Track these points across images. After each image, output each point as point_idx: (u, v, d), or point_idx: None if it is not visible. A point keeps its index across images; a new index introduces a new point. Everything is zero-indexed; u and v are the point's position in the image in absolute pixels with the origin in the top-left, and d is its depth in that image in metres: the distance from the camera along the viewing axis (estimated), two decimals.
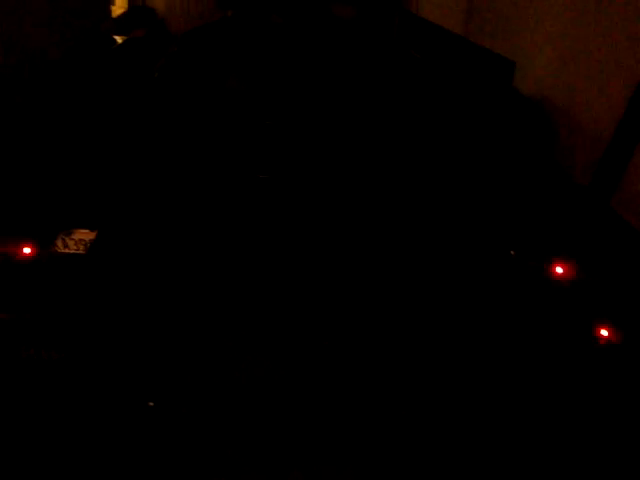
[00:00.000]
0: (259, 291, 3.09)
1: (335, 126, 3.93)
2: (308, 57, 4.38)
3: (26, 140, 3.89)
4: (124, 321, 2.88)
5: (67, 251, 3.18)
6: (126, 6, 8.77)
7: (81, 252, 3.16)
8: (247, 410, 2.57)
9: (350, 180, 3.66)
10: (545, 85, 4.40)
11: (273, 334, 2.92)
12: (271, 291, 3.10)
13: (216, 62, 4.65)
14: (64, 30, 5.54)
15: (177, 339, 2.84)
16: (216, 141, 3.89)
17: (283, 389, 2.68)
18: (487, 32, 5.46)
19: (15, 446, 2.41)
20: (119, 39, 6.45)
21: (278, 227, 3.37)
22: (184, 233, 3.31)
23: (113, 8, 8.04)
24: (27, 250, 3.03)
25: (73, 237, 3.18)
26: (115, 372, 2.67)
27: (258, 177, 3.66)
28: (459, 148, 3.95)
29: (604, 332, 2.46)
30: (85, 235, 3.19)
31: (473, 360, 2.91)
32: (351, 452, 2.46)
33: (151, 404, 2.59)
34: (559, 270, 2.77)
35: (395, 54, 4.57)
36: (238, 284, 3.09)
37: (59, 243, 3.18)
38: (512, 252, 3.53)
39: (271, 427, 2.51)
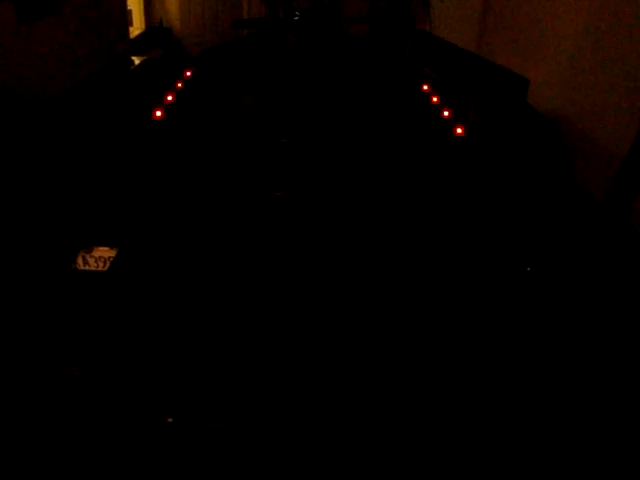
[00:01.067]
0: (278, 309, 3.10)
1: (350, 143, 3.96)
2: (323, 75, 4.44)
3: (46, 159, 3.96)
4: (145, 337, 2.90)
5: (87, 268, 3.22)
6: (143, 27, 8.95)
7: (101, 269, 3.21)
8: (263, 422, 2.58)
9: (365, 197, 3.68)
10: (559, 102, 4.41)
11: (290, 347, 2.92)
12: (289, 308, 3.12)
13: (232, 81, 4.72)
14: (87, 53, 5.68)
15: (198, 355, 2.85)
16: (233, 159, 3.94)
17: (296, 397, 2.68)
18: (500, 50, 5.50)
19: (35, 460, 2.43)
20: (137, 60, 6.58)
21: (294, 242, 3.40)
22: (203, 249, 3.34)
23: (131, 29, 8.21)
24: None
25: (93, 255, 3.23)
26: (135, 388, 2.69)
27: (274, 195, 3.69)
28: (475, 165, 3.97)
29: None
30: (105, 252, 3.23)
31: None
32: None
33: (170, 420, 2.60)
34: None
35: (409, 73, 4.61)
36: (259, 302, 3.11)
37: (79, 261, 3.23)
38: (528, 269, 3.53)
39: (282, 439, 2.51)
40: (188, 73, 4.66)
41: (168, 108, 4.07)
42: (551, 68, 4.56)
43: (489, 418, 2.67)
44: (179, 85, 4.41)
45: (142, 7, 8.98)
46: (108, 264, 3.19)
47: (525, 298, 3.29)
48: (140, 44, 8.20)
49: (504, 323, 3.10)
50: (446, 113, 3.96)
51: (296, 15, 8.60)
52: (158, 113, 3.98)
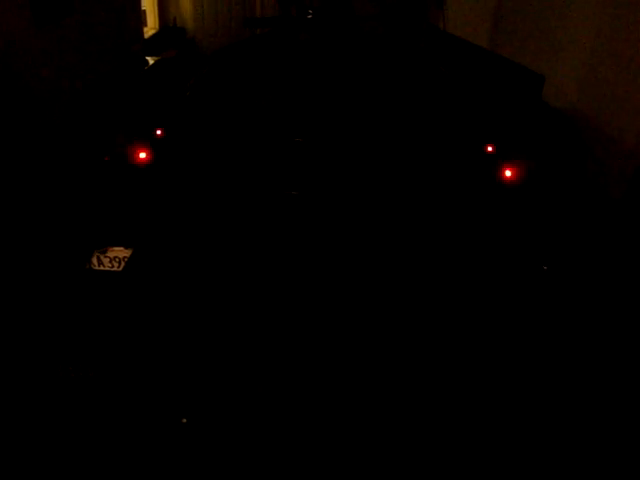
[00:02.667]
0: (290, 307, 3.10)
1: (364, 142, 3.94)
2: (337, 74, 4.42)
3: (60, 160, 4.00)
4: (158, 338, 2.92)
5: (102, 268, 3.25)
6: (157, 27, 8.99)
7: (115, 269, 3.23)
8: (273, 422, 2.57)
9: (380, 195, 3.66)
10: (575, 98, 4.36)
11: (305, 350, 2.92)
12: (300, 305, 3.11)
13: (246, 80, 4.72)
14: (102, 54, 5.71)
15: (213, 356, 2.86)
16: (247, 158, 3.94)
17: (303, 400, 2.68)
18: (515, 46, 5.45)
19: (49, 460, 2.44)
20: (151, 60, 6.61)
21: (308, 240, 3.39)
22: (217, 248, 3.35)
23: (145, 29, 8.25)
24: None
25: (108, 255, 3.25)
26: (149, 389, 2.71)
27: (289, 193, 3.68)
28: (491, 163, 3.93)
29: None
30: (119, 252, 3.25)
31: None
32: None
33: (184, 420, 2.61)
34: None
35: (423, 70, 4.57)
36: (271, 301, 3.10)
37: (94, 260, 3.26)
38: (545, 267, 3.49)
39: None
40: (202, 72, 4.67)
41: (178, 113, 4.09)
42: (566, 64, 4.51)
43: (498, 416, 2.65)
44: (191, 84, 4.42)
45: (156, 7, 9.01)
46: (122, 264, 3.21)
47: (541, 296, 3.27)
48: (154, 44, 8.25)
49: (519, 321, 3.08)
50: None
51: (309, 13, 8.58)
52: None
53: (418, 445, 2.52)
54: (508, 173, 3.71)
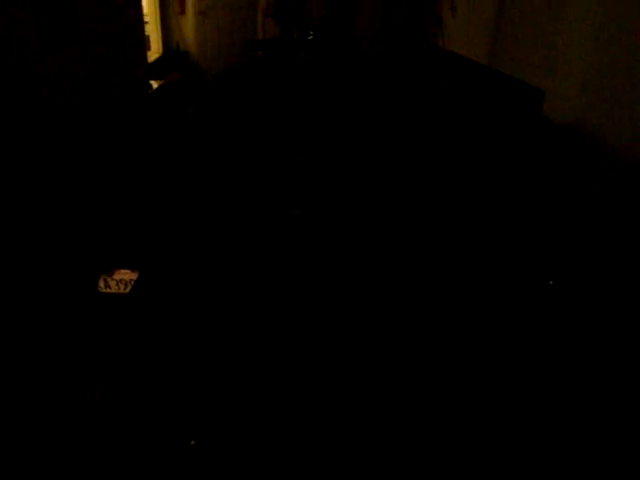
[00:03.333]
0: (293, 325, 3.10)
1: (365, 161, 3.97)
2: (338, 94, 4.47)
3: (68, 182, 4.04)
4: (166, 360, 2.92)
5: (109, 291, 3.27)
6: (161, 51, 9.12)
7: (122, 292, 3.25)
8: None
9: (382, 214, 3.68)
10: (578, 113, 4.38)
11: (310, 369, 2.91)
12: (304, 322, 3.11)
13: (248, 101, 4.78)
14: (107, 79, 5.80)
15: (220, 378, 2.86)
16: (250, 179, 3.97)
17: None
18: (514, 62, 5.49)
19: None
20: (155, 83, 6.70)
21: (309, 259, 3.41)
22: (223, 269, 3.37)
23: (149, 54, 8.37)
24: None
25: (114, 277, 3.27)
26: (158, 411, 2.70)
27: (290, 213, 3.71)
28: (492, 179, 3.95)
29: None
30: (126, 275, 3.28)
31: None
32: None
33: (193, 443, 2.60)
34: None
35: (424, 88, 4.62)
36: (279, 323, 3.11)
37: (101, 283, 3.28)
38: (550, 282, 3.49)
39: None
40: (204, 94, 4.71)
41: (183, 133, 4.15)
42: (566, 78, 4.54)
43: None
44: (194, 106, 4.47)
45: (160, 32, 9.16)
46: (129, 286, 3.23)
47: (547, 310, 3.26)
48: (158, 68, 8.36)
49: (526, 334, 3.08)
50: None
51: (310, 34, 8.71)
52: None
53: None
54: None
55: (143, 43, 7.77)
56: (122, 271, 3.33)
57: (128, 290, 3.21)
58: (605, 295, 3.39)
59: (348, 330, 3.07)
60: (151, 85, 6.54)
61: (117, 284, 3.28)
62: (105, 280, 3.30)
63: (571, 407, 2.71)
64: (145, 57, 7.78)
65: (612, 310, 3.28)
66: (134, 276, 3.24)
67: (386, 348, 3.00)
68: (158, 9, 9.04)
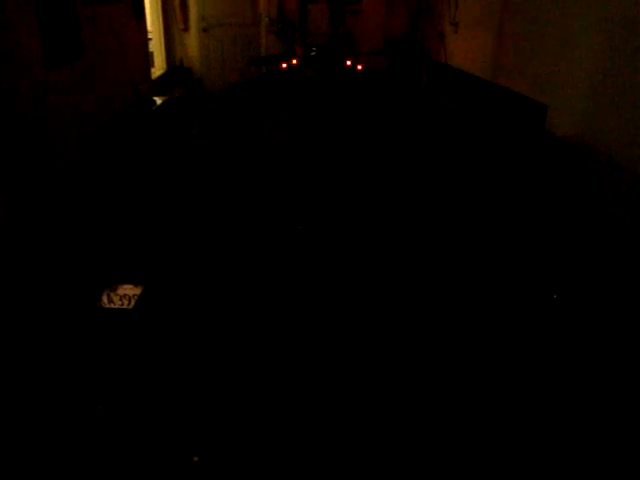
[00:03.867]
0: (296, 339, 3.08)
1: (369, 177, 3.98)
2: (340, 110, 4.49)
3: (73, 199, 4.05)
4: (169, 374, 2.90)
5: (112, 306, 3.26)
6: (165, 68, 9.19)
7: (125, 307, 3.24)
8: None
9: (386, 229, 3.68)
10: (580, 127, 4.38)
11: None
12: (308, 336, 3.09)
13: (252, 118, 4.80)
14: (111, 95, 5.84)
15: (223, 394, 2.84)
16: (255, 195, 3.98)
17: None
18: (517, 77, 5.52)
19: None
20: (159, 99, 6.74)
21: (313, 272, 3.40)
22: (227, 283, 3.36)
23: (153, 70, 8.44)
24: None
25: (118, 292, 3.27)
26: (161, 427, 2.68)
27: (295, 228, 3.71)
28: (495, 194, 3.95)
29: None
30: (129, 290, 3.27)
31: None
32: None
33: (196, 459, 2.58)
34: None
35: (428, 104, 4.65)
36: (282, 338, 3.09)
37: (104, 299, 3.27)
38: (555, 295, 3.47)
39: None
40: (208, 110, 4.74)
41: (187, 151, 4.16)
42: (569, 93, 4.55)
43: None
44: (199, 123, 4.50)
45: (163, 49, 9.24)
46: (133, 302, 3.22)
47: (551, 323, 3.24)
48: (162, 84, 8.42)
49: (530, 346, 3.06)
50: None
51: (313, 50, 8.78)
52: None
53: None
54: None
55: (147, 59, 7.84)
56: (125, 286, 3.33)
57: (132, 305, 3.20)
58: (609, 309, 3.37)
59: (349, 346, 3.05)
60: (155, 101, 6.57)
61: (120, 299, 3.28)
62: (108, 295, 3.30)
63: (572, 415, 2.69)
64: (149, 73, 7.84)
65: (617, 323, 3.26)
66: (137, 291, 3.24)
67: (386, 364, 2.98)
68: (162, 26, 9.13)
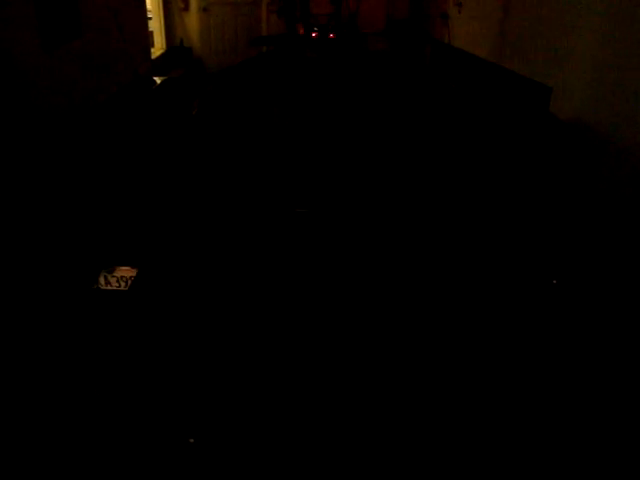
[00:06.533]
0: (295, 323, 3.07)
1: (371, 157, 3.93)
2: (344, 91, 4.43)
3: (70, 180, 4.02)
4: (167, 354, 2.89)
5: (109, 288, 3.24)
6: (164, 47, 9.07)
7: (123, 289, 3.22)
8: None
9: (388, 210, 3.64)
10: (585, 110, 4.32)
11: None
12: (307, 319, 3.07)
13: (253, 99, 4.74)
14: (109, 75, 5.76)
15: (219, 375, 2.83)
16: (255, 176, 3.94)
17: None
18: (521, 59, 5.44)
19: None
20: (158, 80, 6.66)
21: (314, 254, 3.37)
22: (224, 264, 3.33)
23: (152, 50, 8.33)
24: None
25: (115, 274, 3.25)
26: (157, 408, 2.67)
27: (295, 211, 3.68)
28: (498, 177, 3.91)
29: None
30: (126, 272, 3.25)
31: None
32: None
33: (191, 440, 2.57)
34: None
35: (430, 85, 4.58)
36: (280, 320, 3.07)
37: (101, 280, 3.25)
38: (554, 281, 3.45)
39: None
40: (208, 91, 4.68)
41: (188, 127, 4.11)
42: (573, 74, 4.48)
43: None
44: (199, 103, 4.44)
45: (163, 28, 9.12)
46: (129, 283, 3.20)
47: (551, 309, 3.22)
48: (162, 64, 8.32)
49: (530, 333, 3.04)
50: None
51: (314, 31, 8.65)
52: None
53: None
54: None
55: (147, 39, 7.73)
56: (123, 268, 3.30)
57: (128, 287, 3.18)
58: (609, 294, 3.35)
59: (350, 328, 3.04)
60: (154, 81, 6.49)
61: (117, 281, 3.26)
62: (105, 277, 3.28)
63: (573, 404, 2.67)
64: (149, 53, 7.74)
65: (616, 309, 3.24)
66: (134, 273, 3.21)
67: (387, 349, 2.96)
68: (161, 5, 8.99)
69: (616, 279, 3.45)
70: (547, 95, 4.71)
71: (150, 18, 8.46)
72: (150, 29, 8.29)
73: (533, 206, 3.78)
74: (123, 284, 3.22)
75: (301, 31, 8.86)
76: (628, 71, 3.84)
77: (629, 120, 3.81)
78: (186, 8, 9.21)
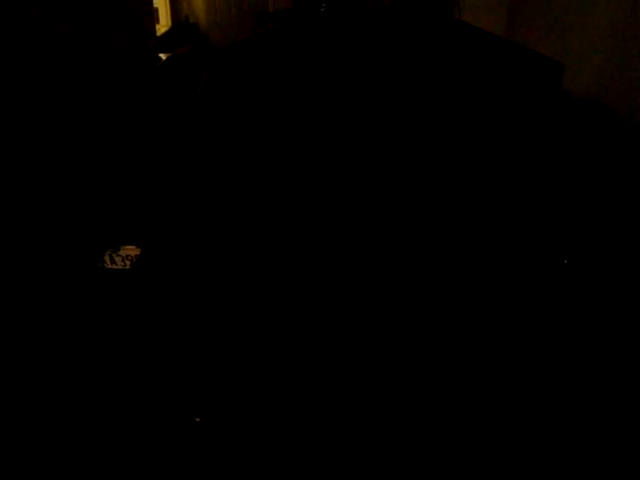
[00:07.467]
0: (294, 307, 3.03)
1: (377, 137, 3.86)
2: (350, 67, 4.33)
3: (72, 158, 3.99)
4: (169, 336, 2.88)
5: (114, 267, 3.23)
6: (170, 24, 8.99)
7: (128, 268, 3.20)
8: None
9: (398, 191, 3.59)
10: (600, 87, 4.23)
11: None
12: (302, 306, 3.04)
13: (259, 74, 4.66)
14: (115, 52, 5.70)
15: (222, 353, 2.82)
16: (261, 153, 3.89)
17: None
18: (532, 35, 5.32)
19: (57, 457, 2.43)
20: (164, 56, 6.59)
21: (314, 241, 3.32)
22: (228, 243, 3.30)
23: (157, 27, 8.25)
24: None
25: (120, 253, 3.23)
26: (161, 388, 2.67)
27: (298, 190, 3.63)
28: (509, 156, 3.84)
29: None
30: (132, 251, 3.23)
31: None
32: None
33: (198, 419, 2.58)
34: None
35: (436, 61, 4.48)
36: (283, 303, 3.05)
37: (107, 259, 3.24)
38: (565, 261, 3.40)
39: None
40: (214, 67, 4.61)
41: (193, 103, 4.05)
42: (589, 50, 4.37)
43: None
44: (205, 81, 4.37)
45: (168, 4, 9.03)
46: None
47: (561, 289, 3.18)
48: (167, 41, 8.24)
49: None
50: None
51: (322, 6, 8.50)
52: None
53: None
54: None
55: (152, 15, 7.65)
56: (128, 247, 3.28)
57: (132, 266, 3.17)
58: (621, 274, 3.30)
59: (351, 318, 3.00)
60: (160, 58, 6.43)
61: (123, 260, 3.24)
62: (111, 256, 3.26)
63: (583, 387, 2.65)
64: (154, 30, 7.67)
65: (628, 289, 3.19)
66: (139, 252, 3.20)
67: (389, 323, 2.93)
68: None
69: (628, 259, 3.40)
70: (560, 72, 4.60)
71: None
72: (155, 5, 8.21)
73: (544, 185, 3.72)
74: (129, 263, 3.20)
75: (308, 6, 8.70)
76: None
77: None
78: None
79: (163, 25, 8.78)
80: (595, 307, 3.08)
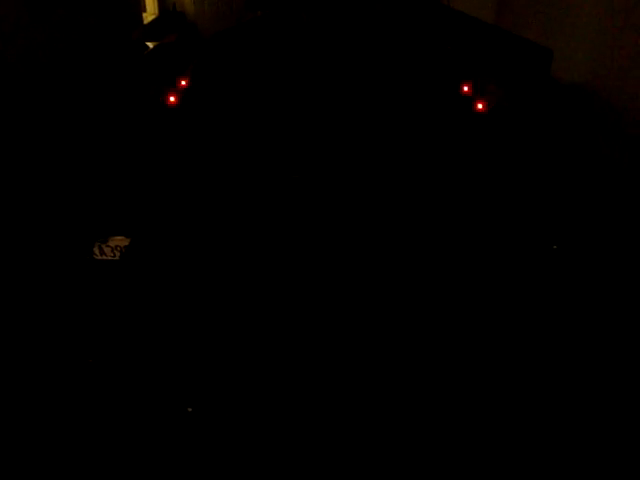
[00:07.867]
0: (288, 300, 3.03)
1: (367, 125, 3.85)
2: (338, 55, 4.31)
3: (60, 150, 3.95)
4: (158, 325, 2.88)
5: (104, 258, 3.21)
6: (157, 12, 8.88)
7: (117, 258, 3.19)
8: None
9: (388, 180, 3.59)
10: (587, 73, 4.24)
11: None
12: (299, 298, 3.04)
13: (246, 63, 4.63)
14: (100, 41, 5.62)
15: (212, 342, 2.82)
16: (247, 142, 3.86)
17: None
18: (522, 22, 5.31)
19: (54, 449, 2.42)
20: (151, 45, 6.52)
21: (309, 226, 3.32)
22: (214, 232, 3.29)
23: (144, 15, 8.14)
24: None
25: (109, 244, 3.21)
26: (152, 378, 2.67)
27: (291, 177, 3.62)
28: (499, 142, 3.84)
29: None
30: (121, 242, 3.21)
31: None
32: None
33: (190, 409, 2.58)
34: None
35: (425, 47, 4.46)
36: (277, 288, 3.04)
37: (96, 250, 3.22)
38: (555, 247, 3.42)
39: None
40: (201, 56, 4.57)
41: (181, 93, 4.01)
42: (578, 37, 4.38)
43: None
44: (191, 70, 4.33)
45: None
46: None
47: (551, 275, 3.19)
48: (154, 29, 8.14)
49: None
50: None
51: None
52: (172, 99, 3.92)
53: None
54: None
55: (138, 4, 7.55)
56: (117, 238, 3.26)
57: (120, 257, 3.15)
58: (609, 260, 3.33)
59: (348, 305, 3.00)
60: (147, 46, 6.35)
61: (112, 251, 3.22)
62: (100, 247, 3.24)
63: (576, 377, 2.67)
64: (141, 18, 7.57)
65: (616, 274, 3.22)
66: (128, 242, 3.18)
67: (387, 312, 2.94)
68: None
69: (616, 244, 3.43)
70: (548, 58, 4.60)
71: None
72: None
73: (533, 170, 3.73)
74: (118, 254, 3.18)
75: None
76: (629, 32, 3.75)
77: (632, 83, 3.73)
78: None
79: (150, 13, 8.66)
80: (585, 291, 3.10)
